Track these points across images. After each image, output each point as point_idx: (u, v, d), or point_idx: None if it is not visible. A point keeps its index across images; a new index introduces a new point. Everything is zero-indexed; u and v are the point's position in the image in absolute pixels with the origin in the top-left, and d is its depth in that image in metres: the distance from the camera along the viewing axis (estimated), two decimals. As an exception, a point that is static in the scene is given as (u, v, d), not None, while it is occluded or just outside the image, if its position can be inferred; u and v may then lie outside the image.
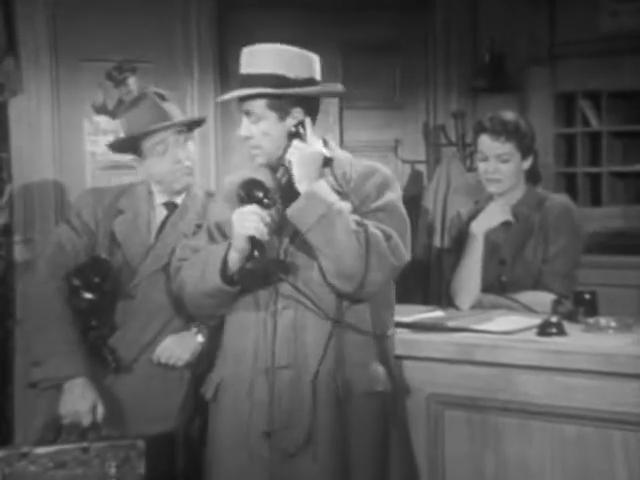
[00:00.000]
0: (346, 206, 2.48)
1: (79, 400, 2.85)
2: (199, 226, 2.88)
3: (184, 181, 3.03)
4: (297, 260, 2.53)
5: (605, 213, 5.19)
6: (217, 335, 2.74)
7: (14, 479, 2.60)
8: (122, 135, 3.14)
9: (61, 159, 4.59)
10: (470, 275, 3.17)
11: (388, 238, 2.49)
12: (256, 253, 2.46)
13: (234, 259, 2.50)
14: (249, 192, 2.50)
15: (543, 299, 3.10)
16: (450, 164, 5.23)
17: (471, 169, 5.13)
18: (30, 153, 4.53)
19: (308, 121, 2.57)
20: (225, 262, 2.52)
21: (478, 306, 3.16)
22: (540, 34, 5.25)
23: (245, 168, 2.80)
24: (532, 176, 3.32)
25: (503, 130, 3.18)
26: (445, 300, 3.30)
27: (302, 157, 2.51)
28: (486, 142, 3.22)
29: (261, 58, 2.54)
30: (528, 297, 3.15)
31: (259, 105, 2.55)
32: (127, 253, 2.98)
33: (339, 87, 2.67)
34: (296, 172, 2.50)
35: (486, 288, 3.19)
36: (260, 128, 2.56)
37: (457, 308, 3.18)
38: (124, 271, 2.96)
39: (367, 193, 2.58)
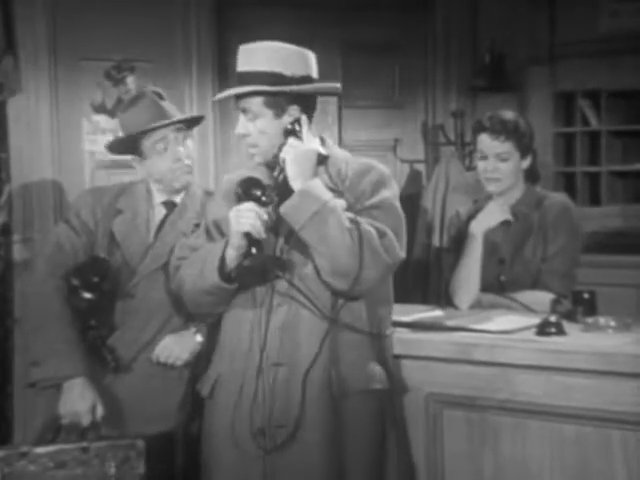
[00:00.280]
0: (340, 204, 2.48)
1: (78, 400, 2.84)
2: (198, 225, 2.88)
3: (184, 179, 3.03)
4: (293, 257, 2.54)
5: (604, 212, 5.19)
6: (215, 333, 2.75)
7: (14, 479, 2.60)
8: (120, 135, 3.14)
9: (60, 158, 4.60)
10: (469, 274, 3.17)
11: (382, 235, 2.49)
12: (253, 250, 2.47)
13: (231, 256, 2.50)
14: (247, 190, 2.50)
15: (542, 298, 3.10)
16: (449, 163, 5.23)
17: (470, 168, 5.13)
18: (29, 152, 4.53)
19: (304, 119, 2.58)
20: (223, 260, 2.52)
21: (477, 305, 3.16)
22: (540, 34, 5.25)
23: (243, 167, 2.81)
24: (531, 175, 3.32)
25: (502, 129, 3.18)
26: (444, 299, 3.30)
27: (296, 155, 2.51)
28: (485, 141, 3.22)
29: (258, 56, 2.55)
30: (527, 296, 3.15)
31: (256, 103, 2.55)
32: (126, 252, 2.98)
33: (336, 85, 2.67)
34: (290, 170, 2.50)
35: (485, 287, 3.19)
36: (257, 126, 2.57)
37: (456, 307, 3.18)
38: (123, 270, 2.96)
39: (362, 190, 2.58)
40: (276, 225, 2.54)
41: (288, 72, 2.54)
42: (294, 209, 2.46)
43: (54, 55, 4.57)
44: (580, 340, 2.65)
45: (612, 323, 2.75)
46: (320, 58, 2.65)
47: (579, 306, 2.93)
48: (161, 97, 3.07)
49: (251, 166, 2.68)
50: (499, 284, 3.23)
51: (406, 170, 5.41)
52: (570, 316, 2.88)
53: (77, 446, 2.72)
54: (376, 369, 2.59)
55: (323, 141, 2.66)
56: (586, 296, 2.96)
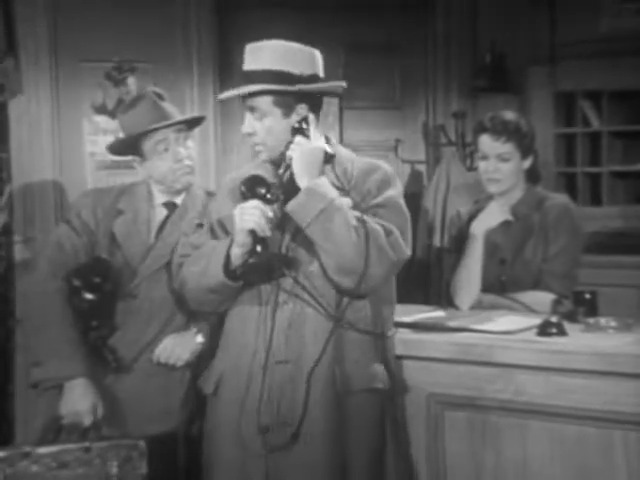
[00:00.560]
0: (346, 202, 2.49)
1: (79, 400, 2.85)
2: (199, 225, 2.89)
3: (185, 180, 3.03)
4: (299, 255, 2.54)
5: (605, 213, 5.19)
6: (218, 331, 2.75)
7: (16, 479, 2.60)
8: (121, 136, 3.14)
9: (61, 159, 4.60)
10: (470, 275, 3.17)
11: (388, 233, 2.50)
12: (258, 248, 2.47)
13: (237, 254, 2.51)
14: (251, 188, 2.51)
15: (543, 299, 3.11)
16: (450, 164, 5.23)
17: (471, 169, 5.13)
18: (30, 153, 4.53)
19: (312, 117, 2.58)
20: (228, 257, 2.52)
21: (478, 306, 3.16)
22: (540, 34, 5.24)
23: (247, 165, 2.81)
24: (532, 176, 3.32)
25: (504, 130, 3.19)
26: (445, 300, 3.30)
27: (303, 153, 2.52)
28: (486, 142, 3.22)
29: (265, 54, 2.55)
30: (528, 297, 3.15)
31: (265, 101, 2.56)
32: (127, 253, 2.99)
33: (343, 84, 2.68)
34: (297, 168, 2.51)
35: (486, 288, 3.20)
36: (265, 124, 2.57)
37: (457, 308, 3.18)
38: (124, 271, 2.96)
39: (368, 189, 2.59)
40: (281, 223, 2.55)
41: (296, 71, 2.55)
42: (301, 207, 2.46)
43: (55, 56, 4.57)
44: (581, 340, 2.66)
45: (613, 323, 2.75)
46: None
47: (580, 306, 2.93)
48: (162, 98, 3.07)
49: (256, 164, 2.68)
50: (500, 284, 3.23)
51: (407, 170, 5.41)
52: (571, 316, 2.89)
53: (79, 446, 2.72)
54: (379, 369, 2.60)
55: (328, 140, 2.66)
56: (587, 296, 2.96)
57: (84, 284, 2.91)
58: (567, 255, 3.21)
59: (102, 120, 4.67)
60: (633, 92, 5.07)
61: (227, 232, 2.62)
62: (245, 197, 2.51)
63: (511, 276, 3.24)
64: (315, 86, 2.57)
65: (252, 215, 2.46)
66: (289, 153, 2.54)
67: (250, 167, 2.71)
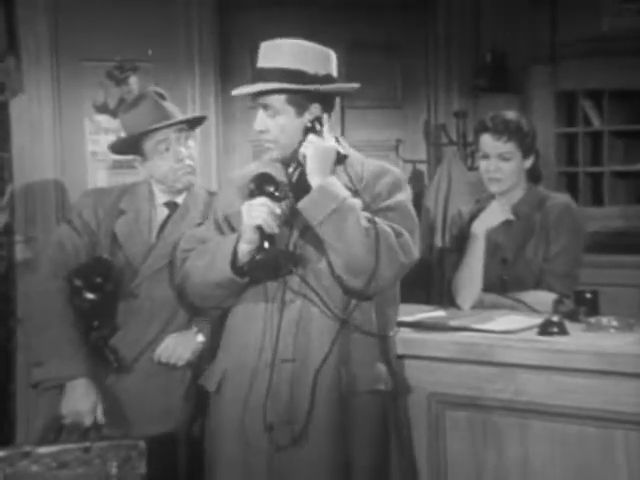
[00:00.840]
0: (358, 202, 2.49)
1: (80, 400, 2.85)
2: (200, 225, 2.89)
3: (186, 180, 3.03)
4: (307, 254, 2.54)
5: (606, 212, 5.19)
6: (219, 330, 2.75)
7: (16, 479, 2.60)
8: (123, 135, 3.14)
9: (62, 158, 4.59)
10: (471, 274, 3.17)
11: (399, 235, 2.50)
12: (266, 245, 2.47)
13: (244, 250, 2.51)
14: (260, 186, 2.51)
15: (544, 298, 3.10)
16: (451, 163, 5.22)
17: (472, 168, 5.12)
18: (31, 153, 4.53)
19: (325, 117, 2.59)
20: (235, 253, 2.52)
21: (479, 305, 3.16)
22: (541, 34, 5.24)
23: (254, 162, 2.82)
24: (533, 175, 3.32)
25: (505, 129, 3.19)
26: (446, 299, 3.30)
27: (317, 151, 2.52)
28: (488, 141, 3.22)
29: (281, 53, 2.55)
30: (529, 296, 3.15)
31: (278, 100, 2.56)
32: (128, 253, 2.99)
33: (355, 85, 2.68)
34: (309, 166, 2.51)
35: (487, 287, 3.19)
36: (277, 122, 2.57)
37: (458, 307, 3.18)
38: (126, 271, 2.96)
39: (378, 192, 2.59)
40: (289, 221, 2.55)
41: (311, 70, 2.55)
42: (313, 205, 2.46)
43: (56, 55, 4.57)
44: (582, 340, 2.65)
45: (614, 323, 2.75)
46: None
47: (581, 306, 2.93)
48: (163, 97, 3.07)
49: (264, 162, 2.68)
50: (501, 284, 3.23)
51: (408, 170, 5.40)
52: (572, 316, 2.88)
53: (79, 446, 2.72)
54: (382, 369, 2.60)
55: (338, 141, 2.66)
56: (588, 296, 2.96)
57: (85, 284, 2.91)
58: (568, 255, 3.21)
59: (103, 119, 4.67)
60: (634, 91, 5.07)
61: (233, 229, 2.62)
62: (253, 195, 2.52)
63: (512, 275, 3.24)
64: (332, 86, 2.58)
65: (260, 212, 2.46)
66: (302, 151, 2.53)
67: (259, 165, 2.71)
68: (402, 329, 2.79)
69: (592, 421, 2.52)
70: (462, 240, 3.30)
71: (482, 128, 3.25)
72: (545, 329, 2.69)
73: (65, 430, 2.89)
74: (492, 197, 3.28)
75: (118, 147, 3.17)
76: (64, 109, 4.60)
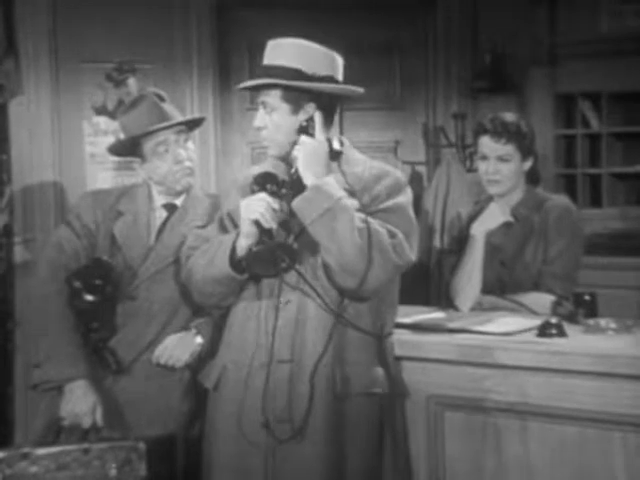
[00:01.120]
0: (352, 203, 2.49)
1: (79, 402, 2.85)
2: (200, 228, 2.89)
3: (185, 181, 3.03)
4: (305, 250, 2.54)
5: (605, 214, 5.19)
6: (219, 329, 2.75)
7: (14, 480, 2.61)
8: (122, 137, 3.14)
9: (61, 160, 4.60)
10: (470, 276, 3.17)
11: (392, 236, 2.50)
12: (264, 240, 2.48)
13: (242, 245, 2.52)
14: (262, 184, 2.52)
15: (543, 300, 3.11)
16: (450, 165, 5.22)
17: (471, 170, 5.12)
18: (30, 154, 4.54)
19: (318, 117, 2.59)
20: (234, 249, 2.53)
21: (478, 307, 3.16)
22: (540, 35, 5.24)
23: (261, 164, 2.83)
24: (532, 177, 3.32)
25: (504, 131, 3.19)
26: (445, 301, 3.30)
27: (306, 151, 2.53)
28: (487, 143, 3.22)
29: (281, 51, 2.58)
30: (528, 298, 3.15)
31: (274, 95, 2.58)
32: (127, 255, 2.98)
33: (357, 89, 2.68)
34: (301, 166, 2.52)
35: (486, 289, 3.19)
36: (273, 119, 2.59)
37: (457, 309, 3.18)
38: (124, 273, 2.96)
39: (377, 194, 2.59)
40: (289, 219, 2.55)
41: (309, 70, 2.56)
42: (306, 204, 2.47)
43: (55, 57, 4.57)
44: (581, 342, 2.66)
45: (613, 325, 2.75)
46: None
47: (580, 308, 2.93)
48: (162, 99, 3.07)
49: (269, 162, 2.70)
50: (500, 286, 3.23)
51: (407, 172, 5.40)
52: (571, 318, 2.89)
53: (78, 448, 2.72)
54: (378, 372, 2.60)
55: (342, 143, 2.66)
56: (587, 298, 2.96)
57: (84, 286, 2.90)
58: (567, 256, 3.21)
59: (102, 121, 4.67)
60: (633, 93, 5.07)
61: (236, 225, 2.63)
62: (255, 192, 2.53)
63: (511, 277, 3.24)
64: (322, 85, 2.58)
65: (258, 206, 2.48)
66: (294, 153, 2.55)
67: (264, 165, 2.73)
68: (401, 331, 2.79)
69: (591, 423, 2.52)
70: (461, 242, 3.30)
71: (481, 130, 3.25)
72: (544, 331, 2.69)
73: (64, 431, 2.89)
74: (491, 199, 3.28)
75: (117, 149, 3.17)
76: (63, 111, 4.60)
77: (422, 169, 5.50)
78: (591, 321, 2.82)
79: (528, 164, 3.27)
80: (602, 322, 2.78)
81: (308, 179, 2.50)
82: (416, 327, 2.86)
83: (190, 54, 4.84)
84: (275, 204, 2.50)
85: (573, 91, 5.26)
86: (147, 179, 3.07)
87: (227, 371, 2.63)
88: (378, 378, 2.59)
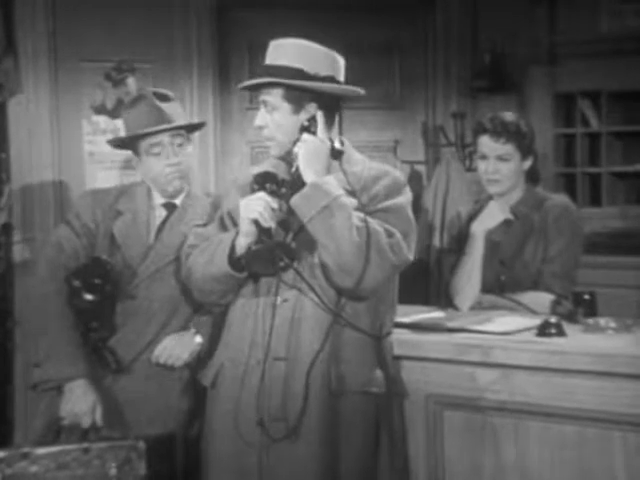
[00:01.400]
0: (350, 201, 2.49)
1: (79, 401, 2.85)
2: (199, 227, 2.89)
3: (177, 184, 3.02)
4: (303, 248, 2.54)
5: (604, 213, 5.19)
6: (219, 328, 2.75)
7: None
8: (122, 134, 3.15)
9: (60, 159, 4.60)
10: (470, 275, 3.17)
11: (390, 235, 2.50)
12: (263, 239, 2.48)
13: (241, 243, 2.52)
14: (262, 183, 2.53)
15: (542, 299, 3.11)
16: (449, 164, 5.22)
17: (470, 169, 5.12)
18: (29, 153, 4.54)
19: (320, 117, 2.59)
20: (233, 248, 2.54)
21: (477, 306, 3.16)
22: (540, 34, 5.24)
23: (261, 163, 2.84)
24: (532, 176, 3.32)
25: (504, 131, 3.19)
26: (444, 300, 3.30)
27: (308, 149, 2.53)
28: (486, 143, 3.22)
29: (283, 51, 2.59)
30: (528, 297, 3.15)
31: (275, 94, 2.58)
32: (127, 254, 2.98)
33: (358, 90, 2.68)
34: (302, 164, 2.52)
35: (486, 288, 3.20)
36: (274, 118, 2.60)
37: (456, 308, 3.18)
38: (124, 272, 2.96)
39: (375, 193, 2.59)
40: (287, 220, 2.56)
41: (311, 70, 2.57)
42: (304, 201, 2.47)
43: (54, 56, 4.57)
44: (580, 341, 2.66)
45: (612, 324, 2.75)
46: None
47: (579, 307, 2.93)
48: (165, 99, 3.05)
49: (270, 161, 2.71)
50: (500, 285, 3.23)
51: (406, 171, 5.40)
52: (570, 317, 2.89)
53: (78, 447, 2.72)
54: (376, 371, 2.59)
55: (342, 143, 2.67)
56: (586, 297, 2.96)
57: (84, 285, 2.90)
58: (567, 256, 3.21)
59: (101, 120, 4.67)
60: (633, 92, 5.07)
61: (236, 224, 2.64)
62: (255, 191, 2.54)
63: (511, 276, 3.24)
64: (322, 85, 2.58)
65: (256, 205, 2.48)
66: (295, 150, 2.55)
67: (264, 164, 2.74)
68: (400, 330, 2.79)
69: (590, 422, 2.52)
70: (460, 241, 3.30)
71: (481, 129, 3.25)
72: (543, 330, 2.69)
73: (64, 431, 2.89)
74: (490, 198, 3.28)
75: (117, 143, 3.20)
76: (62, 110, 4.60)
77: (421, 168, 5.50)
78: (590, 320, 2.82)
79: (528, 163, 3.27)
80: (602, 321, 2.79)
81: (308, 177, 2.51)
82: (415, 326, 2.86)
83: (190, 54, 4.83)
84: (274, 203, 2.50)
85: (573, 90, 5.27)
86: (144, 177, 3.08)
87: (224, 369, 2.64)
88: (375, 377, 2.59)
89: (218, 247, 2.59)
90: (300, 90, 2.57)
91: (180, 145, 3.01)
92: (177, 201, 3.06)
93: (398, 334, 2.75)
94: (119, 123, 4.13)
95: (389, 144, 5.41)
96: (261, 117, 2.62)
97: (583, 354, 2.53)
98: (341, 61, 2.65)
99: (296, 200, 2.49)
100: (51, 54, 4.56)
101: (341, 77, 2.65)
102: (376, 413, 2.61)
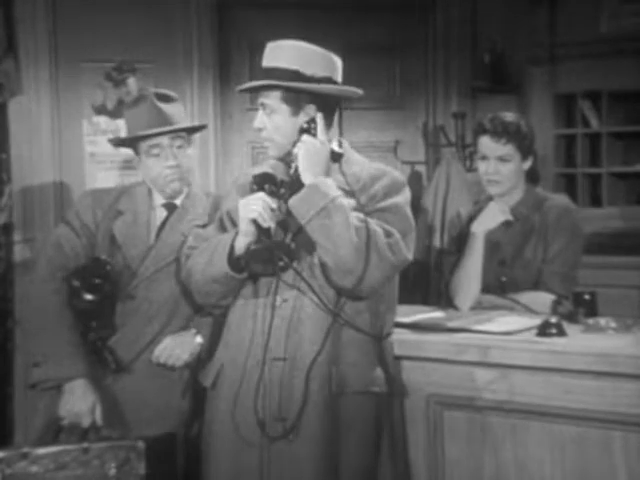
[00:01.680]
0: (348, 202, 2.49)
1: (79, 401, 2.85)
2: (200, 227, 2.89)
3: (175, 185, 3.02)
4: (302, 247, 2.54)
5: (605, 214, 5.19)
6: (219, 328, 2.75)
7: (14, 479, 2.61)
8: (124, 133, 3.15)
9: (60, 159, 4.60)
10: (470, 275, 3.17)
11: (388, 235, 2.50)
12: (262, 239, 2.48)
13: (240, 243, 2.52)
14: (260, 183, 2.53)
15: (543, 299, 3.10)
16: (450, 165, 5.22)
17: (470, 169, 5.12)
18: (30, 154, 4.54)
19: (320, 118, 2.59)
20: (233, 248, 2.54)
21: (478, 306, 3.16)
22: (540, 35, 5.24)
23: (260, 164, 2.84)
24: (532, 177, 3.32)
25: (504, 131, 3.18)
26: (445, 300, 3.30)
27: (308, 151, 2.53)
28: (487, 143, 3.22)
29: (281, 53, 2.59)
30: (528, 297, 3.15)
31: (273, 97, 2.58)
32: (127, 254, 2.98)
33: (356, 90, 2.68)
34: (301, 165, 2.53)
35: (486, 288, 3.19)
36: (273, 121, 2.60)
37: (457, 308, 3.18)
38: (124, 272, 2.96)
39: (374, 193, 2.59)
40: (286, 221, 2.56)
41: (308, 71, 2.57)
42: (302, 202, 2.48)
43: (55, 56, 4.57)
44: (581, 341, 2.66)
45: (613, 324, 2.75)
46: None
47: (580, 307, 2.93)
48: (167, 99, 3.05)
49: (269, 162, 2.71)
50: (500, 285, 3.23)
51: (407, 171, 5.40)
52: (571, 317, 2.89)
53: (78, 447, 2.72)
54: (376, 371, 2.59)
55: (341, 144, 2.67)
56: (587, 297, 2.96)
57: (84, 285, 2.90)
58: (567, 256, 3.21)
59: (102, 121, 4.67)
60: (633, 93, 5.07)
61: (235, 224, 2.64)
62: (254, 192, 2.54)
63: (511, 277, 3.24)
64: (321, 87, 2.58)
65: (255, 205, 2.48)
66: (295, 151, 2.55)
67: (264, 165, 2.74)
68: (400, 330, 2.79)
69: (591, 422, 2.52)
70: (461, 241, 3.30)
71: (481, 130, 3.25)
72: (543, 330, 2.69)
73: (64, 431, 2.89)
74: (490, 198, 3.28)
75: (118, 142, 3.20)
76: (62, 110, 4.60)
77: (422, 169, 5.50)
78: (591, 320, 2.82)
79: (528, 164, 3.27)
80: (602, 321, 2.78)
81: (307, 179, 2.51)
82: (416, 326, 2.86)
83: (190, 54, 4.83)
84: (273, 203, 2.50)
85: (573, 91, 5.26)
86: (144, 177, 3.08)
87: (224, 369, 2.64)
88: (376, 377, 2.58)
89: (217, 248, 2.59)
90: (298, 92, 2.57)
91: (180, 147, 3.01)
92: (177, 201, 3.07)
93: (398, 334, 2.75)
94: (120, 123, 4.15)
95: (389, 144, 5.41)
96: (260, 119, 2.63)
97: (583, 354, 2.53)
98: (338, 61, 2.65)
99: (294, 202, 2.49)
100: (52, 54, 4.56)
101: (339, 77, 2.64)
102: (376, 413, 2.61)
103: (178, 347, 2.93)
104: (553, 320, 2.72)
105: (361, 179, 2.62)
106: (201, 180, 4.47)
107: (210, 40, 4.89)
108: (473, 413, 2.69)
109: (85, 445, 2.73)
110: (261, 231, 2.49)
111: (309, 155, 2.53)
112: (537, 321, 2.76)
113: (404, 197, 2.64)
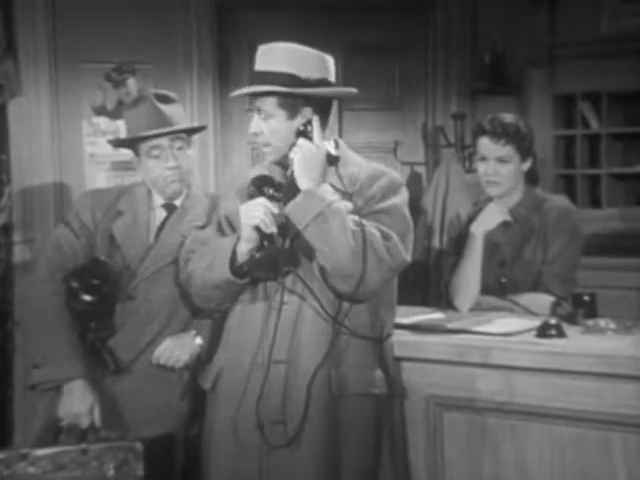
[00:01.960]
0: (345, 206, 2.49)
1: (78, 402, 2.84)
2: (199, 228, 2.89)
3: (175, 187, 3.02)
4: (301, 251, 2.54)
5: (604, 215, 5.18)
6: (219, 331, 2.75)
7: (13, 481, 2.61)
8: (124, 134, 3.15)
9: (60, 160, 4.61)
10: (469, 276, 3.17)
11: (386, 238, 2.49)
12: (265, 244, 2.48)
13: (242, 250, 2.51)
14: (259, 187, 2.53)
15: (542, 301, 3.10)
16: (449, 165, 5.22)
17: (470, 170, 5.12)
18: (29, 154, 4.54)
19: (316, 120, 2.58)
20: (234, 254, 2.53)
21: (477, 308, 3.16)
22: (540, 35, 5.24)
23: (257, 165, 2.82)
24: (531, 178, 3.32)
25: (503, 133, 3.18)
26: (444, 301, 3.30)
27: (304, 155, 2.52)
28: (486, 144, 3.22)
29: (274, 56, 2.56)
30: (527, 299, 3.15)
31: (269, 103, 2.57)
32: (126, 255, 2.98)
33: (352, 90, 2.67)
34: (297, 170, 2.51)
35: (485, 290, 3.19)
36: (269, 125, 2.58)
37: (456, 310, 3.18)
38: (123, 273, 2.96)
39: (372, 195, 2.59)
40: (286, 224, 2.55)
41: (303, 74, 2.55)
42: (298, 208, 2.47)
43: (54, 57, 4.58)
44: (580, 342, 2.65)
45: (612, 325, 2.75)
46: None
47: (579, 308, 2.93)
48: (167, 100, 3.04)
49: (266, 165, 2.69)
50: (499, 286, 3.23)
51: (406, 172, 5.41)
52: (570, 318, 2.88)
53: (76, 448, 2.72)
54: (376, 373, 2.59)
55: (337, 144, 2.66)
56: (586, 298, 2.96)
57: (83, 286, 2.90)
58: (566, 257, 3.21)
59: (102, 121, 4.68)
60: (633, 94, 5.07)
61: (234, 228, 2.63)
62: (253, 196, 2.53)
63: (510, 278, 3.24)
64: (319, 90, 2.57)
65: (257, 212, 2.47)
66: (291, 155, 2.54)
67: (260, 167, 2.73)
68: (400, 331, 2.79)
69: (590, 424, 2.52)
70: (460, 242, 3.30)
71: (480, 131, 3.24)
72: (543, 331, 2.69)
73: (62, 432, 2.88)
74: (490, 199, 3.27)
75: (117, 142, 3.20)
76: (62, 111, 4.61)
77: (421, 169, 5.50)
78: (590, 322, 2.81)
79: (527, 165, 3.26)
80: (601, 323, 2.78)
81: (303, 184, 2.49)
82: (415, 328, 2.85)
83: (190, 54, 4.84)
84: (274, 209, 2.49)
85: (572, 91, 5.26)
86: (144, 178, 3.08)
87: (224, 372, 2.63)
88: (376, 379, 2.58)
89: (218, 253, 2.57)
90: (295, 96, 2.55)
91: (180, 148, 3.01)
92: (177, 202, 3.06)
93: (398, 335, 2.75)
94: (119, 124, 4.15)
95: (389, 145, 5.41)
96: (255, 124, 2.61)
97: (583, 355, 2.53)
98: (330, 61, 2.63)
99: (290, 208, 2.48)
100: (51, 55, 4.57)
101: (332, 78, 2.63)
102: (377, 415, 2.60)
103: (178, 348, 2.93)
104: (553, 321, 2.72)
105: (358, 180, 2.61)
106: (201, 181, 4.47)
107: (210, 41, 4.90)
108: (473, 414, 2.68)
109: (84, 446, 2.73)
110: (264, 236, 2.48)
111: (305, 160, 2.52)
112: (537, 322, 2.76)
113: (402, 198, 2.64)
